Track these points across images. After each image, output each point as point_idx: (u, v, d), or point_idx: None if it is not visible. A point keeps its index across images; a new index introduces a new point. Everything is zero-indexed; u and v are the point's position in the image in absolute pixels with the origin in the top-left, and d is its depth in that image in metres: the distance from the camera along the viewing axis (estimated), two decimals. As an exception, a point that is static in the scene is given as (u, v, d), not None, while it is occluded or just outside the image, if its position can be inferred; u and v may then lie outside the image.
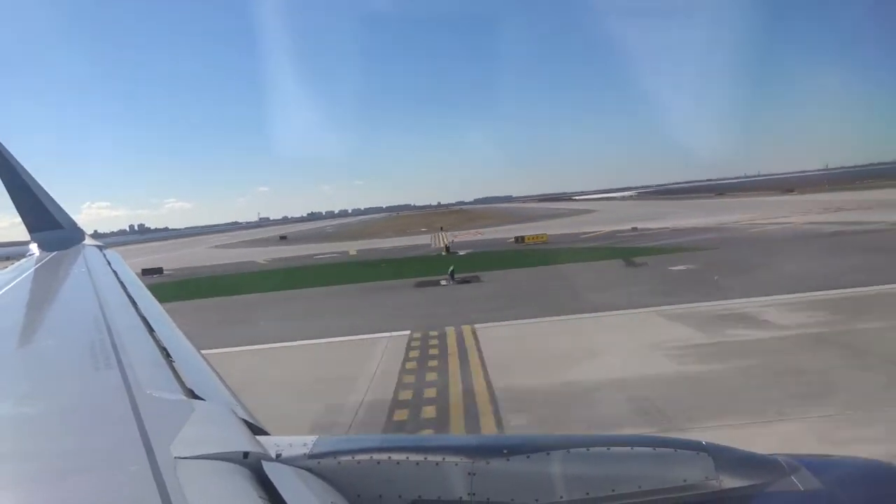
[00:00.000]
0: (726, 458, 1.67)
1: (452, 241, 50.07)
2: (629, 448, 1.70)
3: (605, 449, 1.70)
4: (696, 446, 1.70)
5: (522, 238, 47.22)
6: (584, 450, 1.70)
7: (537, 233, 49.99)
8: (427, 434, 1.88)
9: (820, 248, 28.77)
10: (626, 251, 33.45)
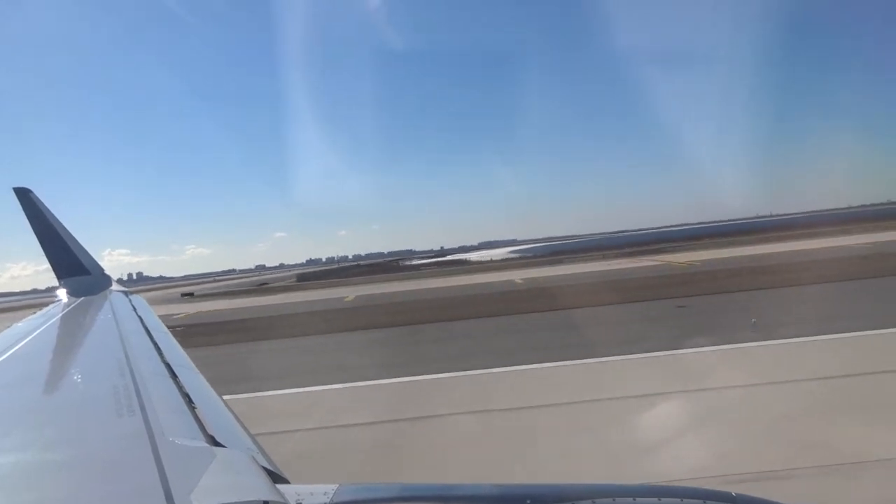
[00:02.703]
0: None
1: None
2: (656, 499, 1.71)
3: (630, 500, 1.71)
4: (725, 498, 1.71)
5: None
6: (609, 500, 1.72)
7: None
8: (449, 483, 1.97)
9: None
10: None
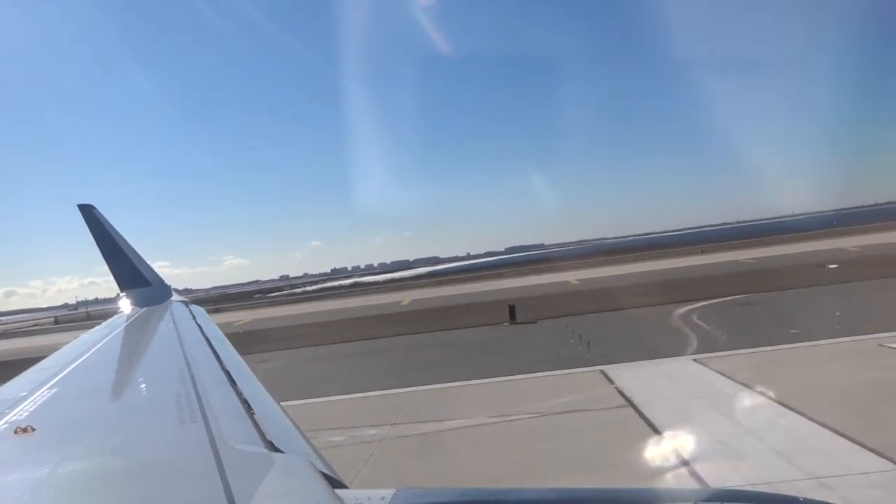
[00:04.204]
0: None
1: None
2: None
3: None
4: (792, 502, 1.74)
5: None
6: None
7: None
8: (506, 488, 2.08)
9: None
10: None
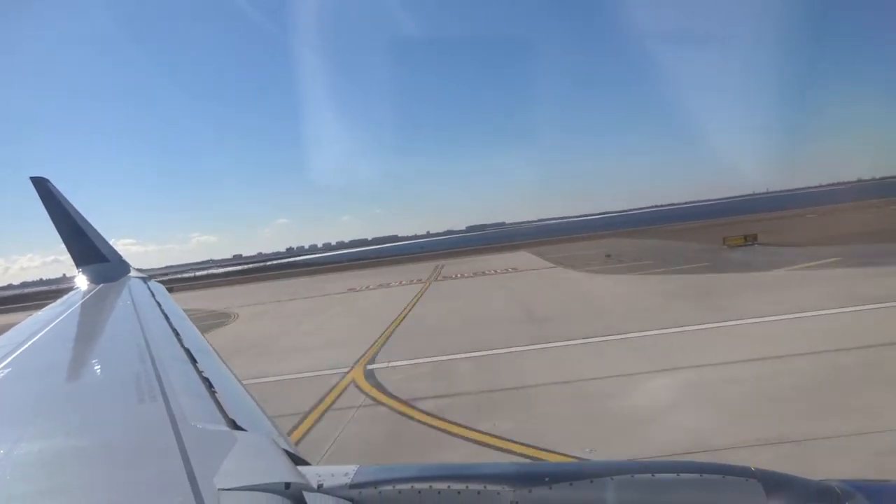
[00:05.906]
0: (777, 485, 1.70)
1: None
2: (675, 475, 1.73)
3: (650, 476, 1.74)
4: (745, 472, 1.75)
5: None
6: (628, 477, 1.75)
7: None
8: (469, 462, 2.17)
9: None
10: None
